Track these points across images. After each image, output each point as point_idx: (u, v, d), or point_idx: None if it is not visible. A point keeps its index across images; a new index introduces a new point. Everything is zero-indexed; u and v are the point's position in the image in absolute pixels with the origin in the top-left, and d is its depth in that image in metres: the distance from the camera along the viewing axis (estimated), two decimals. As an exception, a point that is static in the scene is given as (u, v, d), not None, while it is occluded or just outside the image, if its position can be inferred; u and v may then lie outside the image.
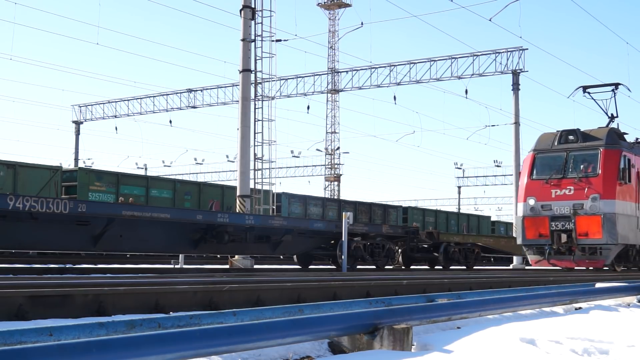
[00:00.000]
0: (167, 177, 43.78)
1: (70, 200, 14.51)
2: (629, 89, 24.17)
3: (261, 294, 7.57)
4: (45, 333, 3.62)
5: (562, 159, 21.32)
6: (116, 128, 45.68)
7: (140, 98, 41.34)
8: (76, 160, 43.85)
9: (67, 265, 18.36)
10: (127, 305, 6.35)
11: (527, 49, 31.54)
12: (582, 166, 20.98)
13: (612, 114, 23.63)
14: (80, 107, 43.82)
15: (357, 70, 36.48)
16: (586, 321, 6.28)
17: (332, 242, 20.84)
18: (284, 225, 19.19)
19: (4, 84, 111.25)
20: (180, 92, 40.04)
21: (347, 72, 37.37)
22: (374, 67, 35.43)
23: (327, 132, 51.48)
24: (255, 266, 21.62)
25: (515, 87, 31.70)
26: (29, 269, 15.41)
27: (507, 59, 31.78)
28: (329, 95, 48.63)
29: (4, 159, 23.75)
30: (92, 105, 43.53)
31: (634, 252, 21.75)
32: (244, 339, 3.85)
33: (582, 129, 22.10)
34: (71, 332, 3.72)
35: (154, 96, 40.91)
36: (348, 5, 51.65)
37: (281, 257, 27.43)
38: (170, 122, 42.32)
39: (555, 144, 21.68)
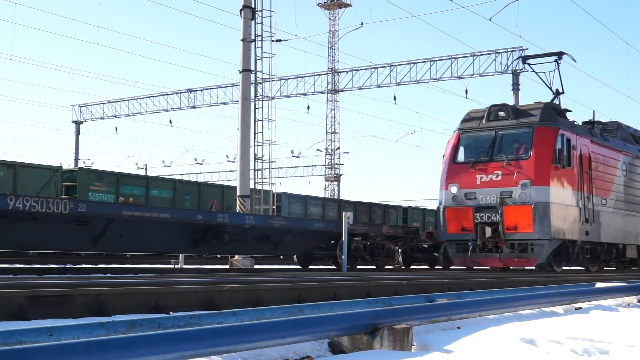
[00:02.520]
0: (167, 177, 43.77)
1: (70, 200, 14.51)
2: (573, 59, 21.27)
3: (261, 294, 7.57)
4: (45, 333, 3.62)
5: (490, 139, 18.13)
6: (116, 128, 45.72)
7: (140, 98, 41.33)
8: (76, 160, 43.86)
9: (67, 265, 18.37)
10: (127, 305, 6.35)
11: (527, 49, 31.52)
12: (512, 147, 17.96)
13: (557, 90, 20.63)
14: (80, 107, 43.82)
15: (357, 70, 36.48)
16: (586, 321, 6.28)
17: (332, 242, 20.84)
18: (284, 225, 19.19)
19: (4, 84, 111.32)
20: (180, 92, 40.05)
21: (347, 72, 37.38)
22: (374, 67, 35.43)
23: (327, 132, 51.49)
24: (255, 266, 21.62)
25: (515, 87, 31.69)
26: (29, 269, 15.42)
27: (507, 59, 31.78)
28: (329, 95, 48.63)
29: (4, 159, 23.77)
30: (92, 105, 43.53)
31: (575, 249, 18.60)
32: (244, 339, 3.85)
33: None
34: (71, 332, 3.72)
35: (154, 96, 40.91)
36: (348, 5, 51.64)
37: (281, 257, 27.43)
38: (170, 122, 42.34)
39: (483, 121, 18.49)
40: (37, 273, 13.61)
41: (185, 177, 55.79)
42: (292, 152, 56.61)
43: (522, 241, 17.29)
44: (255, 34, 23.16)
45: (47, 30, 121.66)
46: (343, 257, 18.79)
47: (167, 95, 40.55)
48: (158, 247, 17.39)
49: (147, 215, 15.51)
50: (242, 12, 22.59)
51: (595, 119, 22.29)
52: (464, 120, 19.12)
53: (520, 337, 4.93)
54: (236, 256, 20.73)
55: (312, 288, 8.38)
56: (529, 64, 21.25)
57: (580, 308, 8.12)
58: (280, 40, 27.31)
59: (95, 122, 44.11)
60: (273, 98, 27.32)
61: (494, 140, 17.98)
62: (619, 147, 21.32)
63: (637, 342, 5.24)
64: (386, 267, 22.65)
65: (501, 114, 18.29)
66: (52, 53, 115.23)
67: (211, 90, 39.06)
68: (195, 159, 63.94)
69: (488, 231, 17.26)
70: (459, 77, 33.21)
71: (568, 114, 19.98)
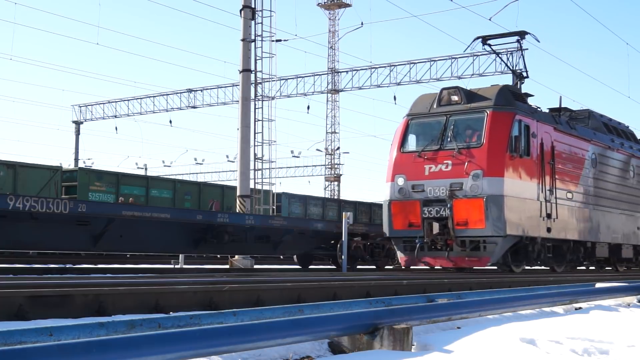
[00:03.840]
0: (167, 177, 43.77)
1: (70, 201, 14.53)
2: (536, 39, 19.40)
3: (261, 294, 7.57)
4: (45, 333, 3.62)
5: (440, 125, 16.26)
6: (116, 128, 45.77)
7: (140, 98, 41.32)
8: (76, 160, 43.87)
9: (67, 265, 18.38)
10: (127, 305, 6.35)
11: (527, 49, 31.52)
12: (465, 135, 16.14)
13: (520, 73, 18.88)
14: (80, 107, 43.82)
15: (357, 70, 36.47)
16: (586, 321, 6.28)
17: (332, 242, 20.86)
18: (284, 225, 19.21)
19: (4, 84, 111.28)
20: (180, 92, 40.03)
21: (347, 72, 37.36)
22: (374, 67, 35.42)
23: (327, 132, 51.47)
24: (255, 266, 21.63)
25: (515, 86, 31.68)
26: (29, 269, 15.43)
27: (507, 59, 31.75)
28: (329, 95, 48.62)
29: (4, 159, 23.77)
30: (92, 105, 43.53)
31: (536, 248, 16.71)
32: (244, 339, 3.86)
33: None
34: (71, 332, 3.72)
35: (154, 96, 40.90)
36: (348, 5, 51.64)
37: (281, 257, 27.45)
38: (170, 122, 42.35)
39: (434, 106, 16.61)
40: (37, 273, 13.62)
41: (185, 177, 55.80)
42: (292, 152, 56.64)
43: (474, 238, 15.41)
44: (255, 34, 23.18)
45: (47, 30, 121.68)
46: (343, 257, 18.79)
47: (167, 95, 40.55)
48: (158, 247, 17.40)
49: (147, 215, 15.52)
50: (242, 12, 22.60)
51: (564, 106, 20.71)
52: (414, 105, 17.31)
53: (520, 337, 4.93)
54: (236, 256, 20.74)
55: (312, 288, 8.39)
56: (489, 45, 19.27)
57: (580, 308, 8.12)
58: (280, 40, 27.33)
59: (95, 122, 44.15)
60: (273, 98, 27.35)
61: (444, 127, 16.13)
62: (588, 137, 19.48)
63: (637, 342, 5.24)
64: (386, 267, 22.65)
65: (454, 97, 16.43)
66: (52, 53, 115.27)
67: (211, 90, 39.06)
68: (195, 159, 63.99)
69: (436, 227, 15.44)
70: (459, 77, 33.17)
71: (531, 100, 18.46)
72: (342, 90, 39.05)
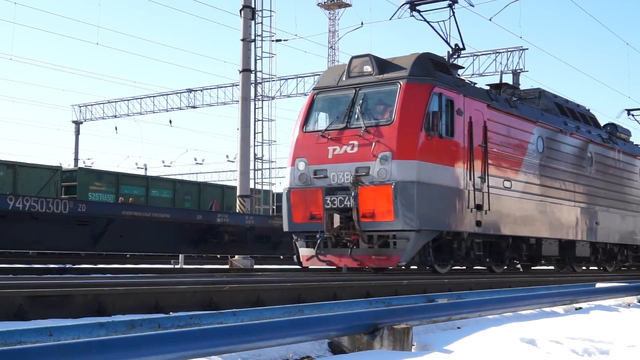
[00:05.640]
0: (167, 177, 43.80)
1: (70, 201, 14.54)
2: (470, 4, 16.76)
3: (261, 294, 7.57)
4: (45, 333, 3.62)
5: (348, 99, 13.78)
6: (116, 128, 45.84)
7: (140, 98, 41.34)
8: (76, 160, 43.89)
9: (67, 265, 18.37)
10: (127, 305, 6.35)
11: (527, 49, 31.52)
12: (375, 110, 13.70)
13: (456, 45, 16.09)
14: (80, 107, 43.84)
15: (357, 70, 36.40)
16: (586, 321, 6.28)
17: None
18: (284, 225, 19.18)
19: (4, 84, 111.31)
20: (180, 92, 40.04)
21: (347, 72, 37.29)
22: (374, 67, 35.36)
23: (327, 132, 51.44)
24: (255, 266, 21.63)
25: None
26: (29, 269, 15.41)
27: (507, 59, 31.77)
28: (329, 95, 48.59)
29: (4, 159, 23.79)
30: (92, 105, 43.54)
31: (463, 244, 14.20)
32: (244, 339, 3.86)
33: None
34: (71, 332, 3.72)
35: (154, 96, 40.91)
36: (348, 5, 51.72)
37: (281, 257, 27.45)
38: (170, 122, 42.44)
39: (344, 78, 14.10)
40: (37, 273, 13.62)
41: (185, 177, 55.83)
42: (292, 152, 56.50)
43: (382, 233, 12.95)
44: (255, 34, 23.19)
45: (47, 30, 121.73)
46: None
47: (167, 95, 40.56)
48: (158, 247, 17.42)
49: (147, 215, 15.54)
50: (242, 12, 22.61)
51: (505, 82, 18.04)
52: (323, 77, 14.95)
53: (521, 337, 4.93)
54: (236, 256, 20.74)
55: (312, 288, 8.38)
56: (419, 12, 16.08)
57: (580, 308, 8.12)
58: (280, 40, 27.30)
59: (95, 122, 44.17)
60: (273, 98, 27.37)
61: (352, 102, 13.66)
62: (533, 117, 16.84)
63: (637, 342, 5.24)
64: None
65: (366, 68, 13.88)
66: (52, 53, 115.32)
67: (211, 90, 39.07)
68: (195, 159, 64.08)
69: (337, 219, 12.93)
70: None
71: (464, 74, 16.23)
72: (342, 90, 39.00)
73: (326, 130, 13.65)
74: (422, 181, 12.92)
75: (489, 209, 14.52)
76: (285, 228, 13.99)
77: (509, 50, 31.80)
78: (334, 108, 14.08)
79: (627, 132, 22.82)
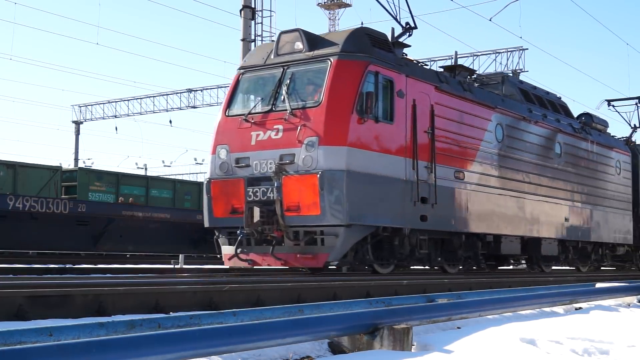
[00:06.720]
0: (167, 177, 43.78)
1: (70, 201, 14.55)
2: None
3: (261, 294, 7.57)
4: (45, 333, 3.62)
5: (275, 79, 12.46)
6: (116, 128, 45.94)
7: (140, 98, 41.33)
8: (76, 160, 43.88)
9: (67, 265, 18.37)
10: (127, 305, 6.35)
11: (527, 49, 31.53)
12: (304, 91, 12.32)
13: (407, 23, 13.88)
14: (80, 107, 43.83)
15: (357, 70, 36.41)
16: (586, 321, 6.28)
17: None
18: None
19: (4, 84, 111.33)
20: (180, 92, 40.04)
21: (347, 72, 37.30)
22: (374, 67, 35.37)
23: (327, 132, 51.44)
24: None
25: (516, 87, 31.63)
26: (29, 269, 15.42)
27: (507, 59, 31.76)
28: (329, 95, 48.59)
29: (4, 159, 23.78)
30: (92, 105, 43.54)
31: (405, 242, 12.68)
32: (244, 339, 3.86)
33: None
34: (71, 332, 3.73)
35: (154, 96, 40.91)
36: (348, 5, 51.73)
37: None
38: (170, 122, 42.43)
39: (272, 57, 12.73)
40: (37, 273, 13.62)
41: (185, 177, 55.81)
42: (292, 152, 56.53)
43: (308, 228, 11.57)
44: (255, 34, 23.16)
45: (47, 30, 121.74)
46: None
47: (167, 95, 40.56)
48: (158, 247, 17.42)
49: (147, 215, 15.53)
50: (242, 12, 22.60)
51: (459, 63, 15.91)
52: (249, 55, 13.57)
53: (521, 337, 4.93)
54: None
55: (312, 288, 8.39)
56: None
57: (580, 308, 8.12)
58: (280, 40, 27.29)
59: (95, 122, 44.16)
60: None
61: (279, 82, 12.33)
62: (491, 103, 15.24)
63: (637, 342, 5.24)
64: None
65: (297, 45, 12.46)
66: (52, 53, 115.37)
67: (211, 90, 39.05)
68: (195, 159, 64.02)
69: (257, 213, 11.61)
70: (459, 77, 33.14)
71: (413, 53, 14.40)
72: (342, 90, 38.99)
73: (249, 113, 12.33)
74: (353, 170, 11.55)
75: (436, 203, 13.11)
76: (206, 224, 12.70)
77: (509, 50, 31.80)
78: (260, 89, 12.83)
79: (604, 123, 21.56)
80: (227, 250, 12.42)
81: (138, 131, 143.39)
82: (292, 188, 11.53)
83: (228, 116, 12.65)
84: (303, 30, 12.61)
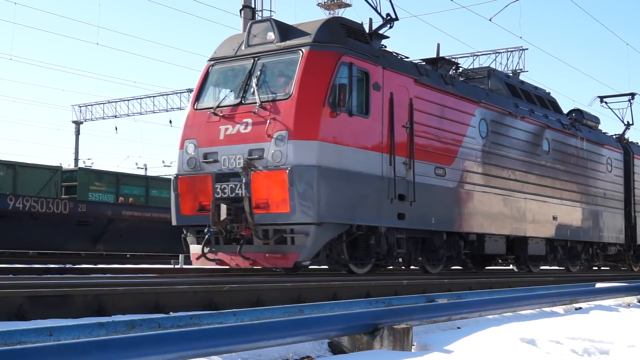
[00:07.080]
0: (167, 177, 43.76)
1: (70, 201, 14.55)
2: None
3: (261, 294, 7.57)
4: (45, 333, 3.62)
5: (245, 71, 12.06)
6: (116, 128, 45.92)
7: (140, 98, 41.33)
8: (76, 160, 43.89)
9: (67, 265, 18.38)
10: (127, 305, 6.35)
11: (527, 49, 31.54)
12: (275, 84, 11.83)
13: (387, 14, 13.41)
14: (80, 107, 43.83)
15: (357, 70, 36.43)
16: (586, 321, 6.28)
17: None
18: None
19: (4, 84, 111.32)
20: (180, 92, 40.03)
21: (347, 72, 37.30)
22: (374, 67, 35.37)
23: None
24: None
25: (516, 87, 31.63)
26: (29, 269, 15.43)
27: (507, 59, 31.78)
28: (329, 95, 48.60)
29: (4, 159, 23.78)
30: (92, 105, 43.54)
31: (382, 241, 12.17)
32: (244, 339, 3.86)
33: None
34: (71, 332, 3.73)
35: (154, 96, 40.91)
36: (348, 5, 51.61)
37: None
38: (170, 122, 42.50)
39: (243, 47, 12.32)
40: (37, 273, 13.63)
41: (185, 177, 55.76)
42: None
43: (278, 227, 11.16)
44: (255, 34, 23.17)
45: (47, 30, 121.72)
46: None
47: (167, 95, 40.56)
48: (158, 247, 17.41)
49: (147, 215, 15.52)
50: (242, 12, 22.60)
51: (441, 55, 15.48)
52: (220, 46, 13.01)
53: (521, 337, 4.93)
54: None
55: (312, 288, 8.39)
56: None
57: (580, 308, 8.12)
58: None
59: (95, 122, 44.17)
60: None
61: (250, 74, 11.91)
62: (474, 97, 14.76)
63: (637, 342, 5.24)
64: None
65: (269, 35, 12.02)
66: (52, 53, 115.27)
67: (211, 90, 39.06)
68: (195, 159, 63.93)
69: (224, 211, 11.20)
70: (459, 77, 33.14)
71: (392, 45, 14.02)
72: (342, 90, 39.00)
73: (218, 107, 11.91)
74: (324, 166, 11.12)
75: (415, 200, 12.67)
76: (173, 222, 12.28)
77: (509, 50, 31.82)
78: (230, 81, 12.41)
79: (595, 119, 21.07)
80: (195, 249, 11.99)
81: (138, 131, 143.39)
82: (260, 184, 11.15)
83: (197, 109, 12.28)
84: (275, 20, 12.33)
